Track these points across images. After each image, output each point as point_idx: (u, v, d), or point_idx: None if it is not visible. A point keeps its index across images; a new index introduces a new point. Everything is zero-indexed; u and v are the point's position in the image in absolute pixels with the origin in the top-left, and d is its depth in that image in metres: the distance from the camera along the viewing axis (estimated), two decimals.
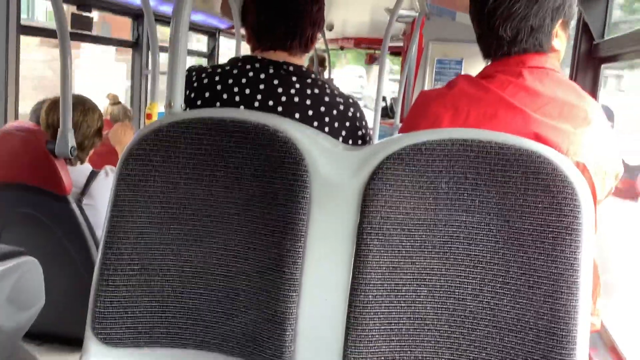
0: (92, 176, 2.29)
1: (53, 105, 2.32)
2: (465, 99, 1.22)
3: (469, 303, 1.00)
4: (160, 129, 1.11)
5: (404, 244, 1.01)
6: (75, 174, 2.23)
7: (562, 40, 1.30)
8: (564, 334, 0.95)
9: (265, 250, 1.07)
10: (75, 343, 2.16)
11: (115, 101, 3.62)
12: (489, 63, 1.33)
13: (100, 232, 2.16)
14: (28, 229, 2.15)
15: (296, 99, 1.46)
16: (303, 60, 1.60)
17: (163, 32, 3.50)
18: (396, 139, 1.05)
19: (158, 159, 1.10)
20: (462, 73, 5.03)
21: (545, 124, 1.15)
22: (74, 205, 2.13)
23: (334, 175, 1.06)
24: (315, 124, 1.46)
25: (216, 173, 1.10)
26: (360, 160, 1.06)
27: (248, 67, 1.50)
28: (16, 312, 1.49)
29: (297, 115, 1.45)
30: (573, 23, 2.48)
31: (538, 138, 1.10)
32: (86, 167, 2.34)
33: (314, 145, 1.08)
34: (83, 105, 2.30)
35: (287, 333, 1.04)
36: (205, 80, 1.51)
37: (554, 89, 1.21)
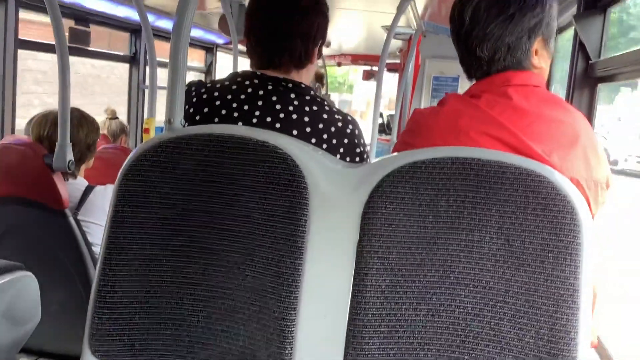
0: (88, 191, 2.29)
1: (42, 119, 2.32)
2: (457, 115, 1.23)
3: (469, 322, 1.00)
4: (160, 144, 1.11)
5: (403, 262, 1.01)
6: (70, 189, 2.23)
7: (544, 58, 1.32)
8: (564, 353, 0.95)
9: (264, 267, 1.07)
10: (72, 358, 2.15)
11: (113, 116, 3.62)
12: (474, 82, 1.34)
13: (97, 247, 2.17)
14: (25, 243, 2.14)
15: (294, 116, 1.47)
16: (303, 76, 1.59)
17: (159, 47, 3.52)
18: (396, 157, 1.05)
19: (157, 175, 1.10)
20: (459, 90, 5.08)
21: (536, 143, 1.15)
22: (71, 220, 2.12)
23: (333, 192, 1.06)
24: (313, 140, 1.46)
25: (216, 189, 1.10)
26: (360, 178, 1.06)
27: (247, 83, 1.50)
28: (12, 327, 1.48)
29: (295, 132, 1.45)
30: (569, 44, 2.51)
31: (532, 157, 1.11)
32: (82, 182, 2.34)
33: (314, 162, 1.08)
34: (71, 120, 2.29)
35: (286, 351, 1.03)
36: (205, 96, 1.51)
37: (540, 106, 1.22)
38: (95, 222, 2.25)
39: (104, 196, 2.27)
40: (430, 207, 1.01)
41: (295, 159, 1.07)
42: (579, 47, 2.37)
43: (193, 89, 1.53)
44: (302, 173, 1.07)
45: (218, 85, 1.52)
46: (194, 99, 1.51)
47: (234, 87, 1.50)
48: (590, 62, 2.35)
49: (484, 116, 1.20)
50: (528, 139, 1.15)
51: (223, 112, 1.48)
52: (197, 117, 1.49)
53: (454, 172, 1.00)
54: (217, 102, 1.49)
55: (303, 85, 1.53)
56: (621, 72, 2.12)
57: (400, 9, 3.11)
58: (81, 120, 2.38)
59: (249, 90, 1.49)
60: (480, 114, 1.21)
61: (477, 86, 1.31)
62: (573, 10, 2.41)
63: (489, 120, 1.19)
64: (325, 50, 7.77)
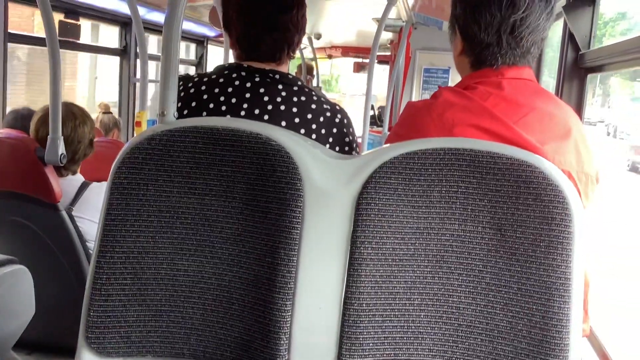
0: (83, 187, 2.28)
1: (42, 118, 2.31)
2: (449, 108, 1.23)
3: (462, 311, 1.01)
4: (153, 137, 1.11)
5: (397, 252, 1.02)
6: (65, 184, 2.22)
7: None
8: (556, 342, 0.96)
9: (259, 259, 1.07)
10: (66, 352, 2.15)
11: (106, 110, 3.61)
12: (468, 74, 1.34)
13: (90, 243, 2.16)
14: (18, 237, 2.14)
15: (282, 107, 1.46)
16: (287, 67, 1.60)
17: (149, 40, 3.50)
18: (389, 148, 1.05)
19: (151, 168, 1.10)
20: (449, 82, 5.09)
21: (530, 134, 1.16)
22: (64, 214, 2.12)
23: (327, 183, 1.07)
24: (302, 131, 1.46)
25: (209, 182, 1.10)
26: (353, 169, 1.06)
27: (234, 75, 1.50)
28: (6, 320, 1.48)
29: (283, 123, 1.45)
30: (559, 33, 2.53)
31: (525, 148, 1.12)
32: (78, 178, 2.34)
33: (307, 154, 1.09)
34: (75, 118, 2.29)
35: (282, 341, 1.04)
36: (192, 90, 1.50)
37: (533, 99, 1.22)
38: (89, 219, 2.25)
39: (99, 193, 2.26)
40: (423, 198, 1.02)
41: (289, 151, 1.07)
42: (569, 38, 2.38)
43: (181, 83, 1.52)
44: (296, 165, 1.07)
45: (205, 79, 1.52)
46: (182, 93, 1.50)
47: (221, 80, 1.50)
48: (580, 52, 2.36)
49: (477, 108, 1.20)
50: (521, 131, 1.16)
51: (211, 105, 1.47)
52: (185, 112, 1.49)
53: (446, 163, 1.01)
54: (205, 96, 1.48)
55: (290, 76, 1.53)
56: (611, 63, 2.14)
57: (391, 1, 3.11)
58: (83, 117, 2.37)
59: (236, 82, 1.48)
60: (473, 105, 1.21)
61: (470, 78, 1.30)
62: (562, 0, 2.42)
63: (482, 112, 1.19)
64: (316, 43, 7.76)
